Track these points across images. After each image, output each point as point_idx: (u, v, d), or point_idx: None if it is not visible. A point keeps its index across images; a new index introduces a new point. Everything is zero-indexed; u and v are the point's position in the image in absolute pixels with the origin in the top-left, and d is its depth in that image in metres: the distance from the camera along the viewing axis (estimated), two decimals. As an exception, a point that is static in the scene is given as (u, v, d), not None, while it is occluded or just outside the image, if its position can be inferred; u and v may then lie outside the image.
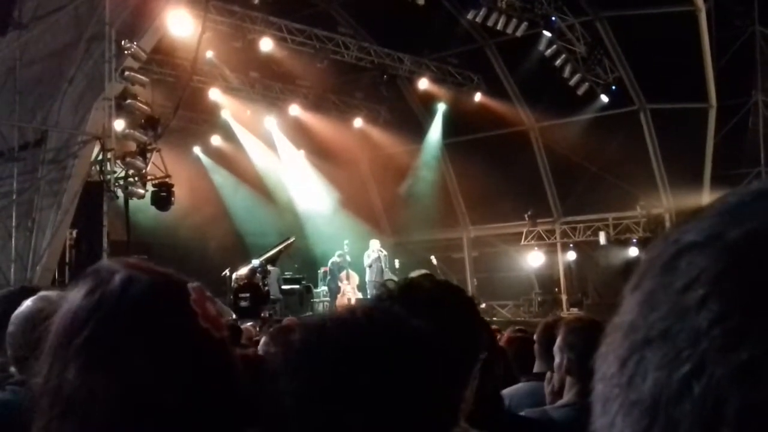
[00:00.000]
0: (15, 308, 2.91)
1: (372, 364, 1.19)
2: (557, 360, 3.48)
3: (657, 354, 0.49)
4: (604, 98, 19.76)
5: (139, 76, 14.63)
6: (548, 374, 3.64)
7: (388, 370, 1.20)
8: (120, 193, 14.74)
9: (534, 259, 22.05)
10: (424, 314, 1.69)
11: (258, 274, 17.48)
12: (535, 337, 4.42)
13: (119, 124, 14.76)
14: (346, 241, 19.99)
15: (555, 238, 22.05)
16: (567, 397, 3.32)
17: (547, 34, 18.62)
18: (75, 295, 1.19)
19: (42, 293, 3.03)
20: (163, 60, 18.77)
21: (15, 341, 2.75)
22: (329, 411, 1.16)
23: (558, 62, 19.02)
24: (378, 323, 1.28)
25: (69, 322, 1.16)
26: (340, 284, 19.41)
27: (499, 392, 2.99)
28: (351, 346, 1.21)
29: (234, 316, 14.33)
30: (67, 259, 14.01)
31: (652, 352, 0.49)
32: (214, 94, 20.90)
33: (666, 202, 20.17)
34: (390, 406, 1.18)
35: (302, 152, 23.74)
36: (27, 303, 2.87)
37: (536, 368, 4.24)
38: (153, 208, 16.35)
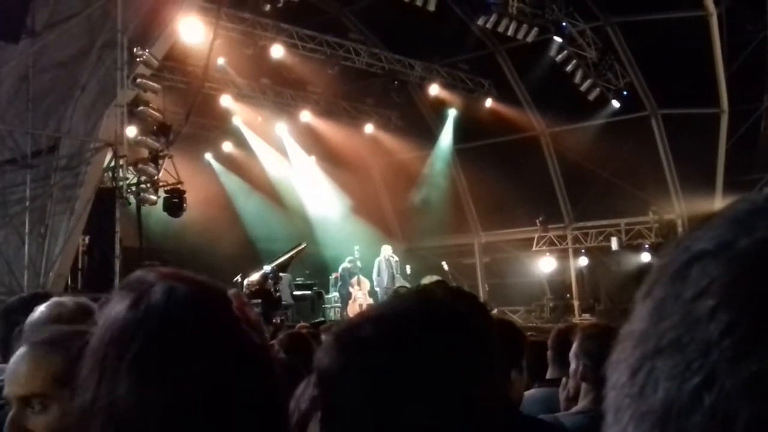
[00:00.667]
0: (28, 315, 2.90)
1: (441, 351, 1.18)
2: (573, 366, 3.47)
3: (668, 364, 0.49)
4: (616, 104, 19.73)
5: (151, 83, 14.68)
6: (563, 380, 3.63)
7: (458, 355, 1.19)
8: (132, 199, 14.81)
9: (545, 264, 22.00)
10: None
11: (270, 280, 17.50)
12: (548, 343, 4.42)
13: (131, 131, 14.83)
14: (356, 247, 20.00)
15: (567, 244, 22.00)
16: (582, 404, 3.32)
17: (557, 39, 18.62)
18: (116, 309, 1.18)
19: (56, 299, 3.03)
20: (174, 67, 18.84)
21: None
22: (407, 406, 1.14)
23: (569, 68, 19.01)
24: (436, 311, 1.27)
25: (117, 335, 1.15)
26: (351, 290, 19.41)
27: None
28: (419, 337, 1.19)
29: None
30: (79, 266, 14.06)
31: (663, 362, 0.49)
32: (226, 101, 20.95)
33: (678, 208, 20.10)
34: (466, 390, 1.17)
35: (313, 158, 23.76)
36: (41, 309, 2.87)
37: (549, 374, 4.23)
38: (165, 214, 16.41)
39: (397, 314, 1.25)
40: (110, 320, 1.17)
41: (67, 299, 3.00)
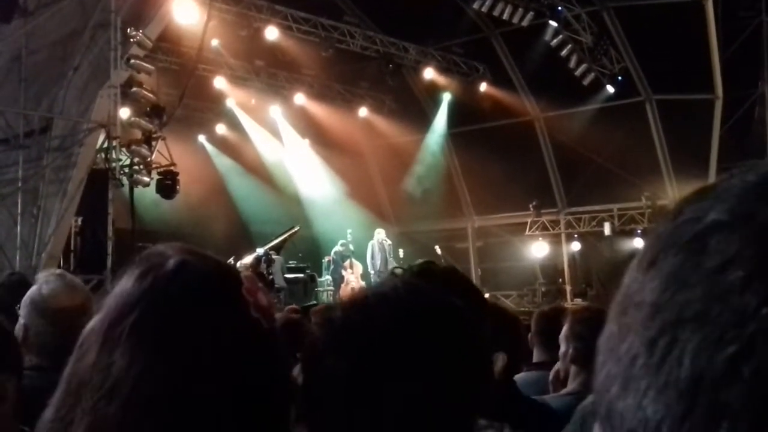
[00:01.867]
0: (17, 298, 2.92)
1: (422, 334, 1.20)
2: (563, 349, 3.49)
3: (695, 335, 0.48)
4: (610, 89, 19.71)
5: (144, 64, 14.62)
6: (557, 364, 3.64)
7: (438, 338, 1.20)
8: (125, 181, 14.79)
9: (538, 249, 22.05)
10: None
11: (263, 263, 17.52)
12: (531, 326, 4.41)
13: (125, 112, 14.80)
14: (349, 230, 20.00)
15: (559, 229, 22.04)
16: (571, 386, 3.33)
17: (553, 24, 18.57)
18: (126, 280, 1.18)
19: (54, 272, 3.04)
20: (168, 48, 18.77)
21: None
22: (386, 385, 1.15)
23: (564, 52, 18.97)
24: (419, 295, 1.28)
25: (120, 304, 1.15)
26: (343, 273, 19.42)
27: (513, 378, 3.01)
28: (399, 318, 1.21)
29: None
30: (72, 247, 14.06)
31: (688, 334, 0.49)
32: (219, 83, 20.88)
33: (671, 193, 20.12)
34: (445, 373, 1.18)
35: (307, 141, 23.72)
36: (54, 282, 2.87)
37: (536, 358, 4.24)
38: (158, 196, 16.40)
39: (381, 298, 1.26)
40: (119, 289, 1.18)
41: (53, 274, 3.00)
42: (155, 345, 1.11)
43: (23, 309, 2.79)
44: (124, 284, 1.18)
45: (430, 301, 1.27)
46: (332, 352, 1.19)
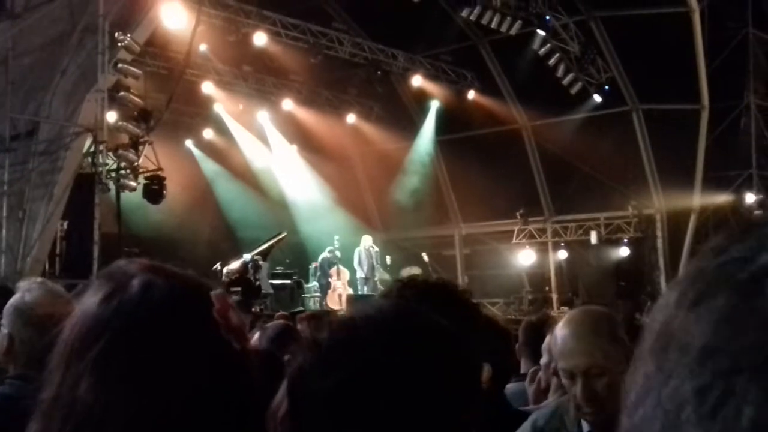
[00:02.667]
0: None
1: (408, 356, 1.18)
2: (545, 359, 3.48)
3: (754, 387, 0.45)
4: (597, 98, 19.78)
5: (132, 68, 14.60)
6: (530, 372, 3.63)
7: (423, 363, 1.19)
8: (112, 185, 14.72)
9: (525, 257, 22.08)
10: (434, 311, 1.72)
11: (250, 269, 17.45)
12: (519, 335, 4.40)
13: (112, 117, 14.74)
14: (336, 237, 19.99)
15: (546, 237, 22.08)
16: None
17: (541, 33, 18.64)
18: (90, 300, 1.13)
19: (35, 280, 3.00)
20: (156, 53, 18.72)
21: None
22: (373, 406, 1.14)
23: (551, 61, 19.04)
24: (405, 317, 1.27)
25: (84, 330, 1.10)
26: (330, 280, 19.40)
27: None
28: (384, 342, 1.19)
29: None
30: (57, 251, 13.99)
31: (745, 383, 0.45)
32: (207, 88, 20.84)
33: (657, 203, 20.22)
34: (427, 400, 1.17)
35: (294, 147, 23.69)
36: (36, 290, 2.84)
37: (523, 369, 4.21)
38: (144, 200, 16.33)
39: (367, 320, 1.25)
40: (82, 312, 1.13)
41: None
42: (123, 376, 1.06)
43: (6, 318, 2.74)
44: (88, 306, 1.13)
45: (417, 323, 1.26)
46: (319, 373, 1.19)
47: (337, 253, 19.63)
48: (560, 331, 2.54)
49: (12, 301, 2.80)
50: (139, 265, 1.17)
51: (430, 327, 1.25)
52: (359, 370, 1.16)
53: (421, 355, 1.19)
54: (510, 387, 4.02)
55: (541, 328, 4.03)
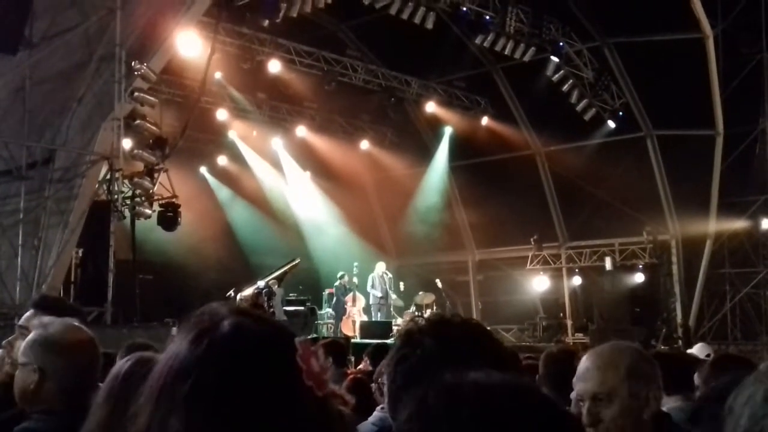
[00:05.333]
0: None
1: None
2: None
3: None
4: (611, 124, 19.80)
5: (148, 96, 14.67)
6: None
7: None
8: (127, 213, 14.76)
9: (539, 283, 21.99)
10: (457, 350, 1.66)
11: (264, 296, 17.42)
12: (540, 366, 4.34)
13: (127, 144, 14.82)
14: (355, 263, 19.95)
15: (560, 263, 22.01)
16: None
17: (554, 59, 18.70)
18: (181, 339, 1.18)
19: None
20: (172, 80, 18.84)
21: None
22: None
23: (565, 87, 19.09)
24: (525, 398, 1.11)
25: (176, 368, 1.14)
26: (345, 306, 19.35)
27: None
28: (494, 420, 1.05)
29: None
30: (72, 279, 14.02)
31: None
32: (222, 115, 20.94)
33: (672, 229, 20.13)
34: None
35: (308, 173, 23.76)
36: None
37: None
38: (159, 227, 16.36)
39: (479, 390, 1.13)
40: (174, 350, 1.17)
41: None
42: (211, 413, 1.11)
43: (29, 355, 2.68)
44: (178, 346, 1.17)
45: (534, 406, 1.09)
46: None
47: (355, 280, 19.59)
48: (582, 359, 2.61)
49: (33, 336, 2.75)
50: (228, 307, 1.22)
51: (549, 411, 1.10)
52: None
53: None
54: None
55: (565, 360, 3.99)
